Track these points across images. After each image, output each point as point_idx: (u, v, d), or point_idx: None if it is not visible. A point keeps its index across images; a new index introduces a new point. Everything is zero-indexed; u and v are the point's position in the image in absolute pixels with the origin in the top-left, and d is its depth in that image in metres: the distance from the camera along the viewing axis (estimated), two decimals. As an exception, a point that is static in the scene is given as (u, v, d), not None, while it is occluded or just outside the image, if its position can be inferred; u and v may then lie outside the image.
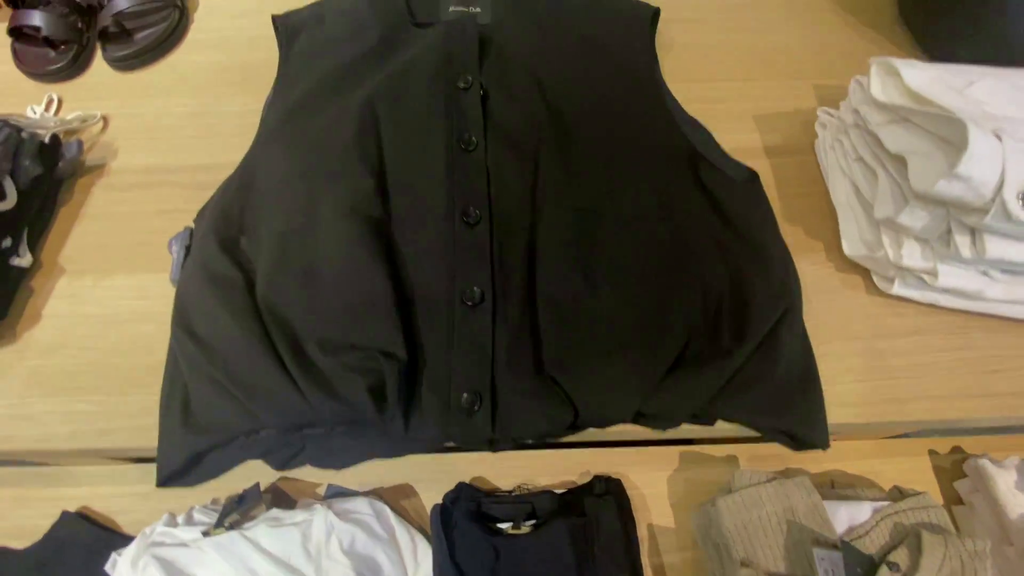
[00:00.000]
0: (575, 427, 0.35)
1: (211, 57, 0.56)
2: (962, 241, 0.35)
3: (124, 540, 0.58)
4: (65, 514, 0.53)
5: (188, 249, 0.41)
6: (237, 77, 0.55)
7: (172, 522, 0.51)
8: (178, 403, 0.36)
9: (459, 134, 0.43)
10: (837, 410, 0.37)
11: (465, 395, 0.34)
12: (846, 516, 0.51)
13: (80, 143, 0.48)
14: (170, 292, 0.42)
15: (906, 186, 0.36)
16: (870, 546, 0.46)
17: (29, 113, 0.52)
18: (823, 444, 0.34)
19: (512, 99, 0.46)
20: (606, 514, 0.50)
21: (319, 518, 0.52)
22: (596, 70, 0.48)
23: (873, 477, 0.56)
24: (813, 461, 0.56)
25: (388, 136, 0.44)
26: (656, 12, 0.52)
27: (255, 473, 0.57)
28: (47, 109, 0.52)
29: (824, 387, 0.37)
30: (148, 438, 0.37)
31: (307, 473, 0.58)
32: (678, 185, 0.41)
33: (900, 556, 0.44)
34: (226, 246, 0.39)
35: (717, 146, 0.45)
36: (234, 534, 0.51)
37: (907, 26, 0.56)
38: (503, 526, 0.52)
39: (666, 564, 0.52)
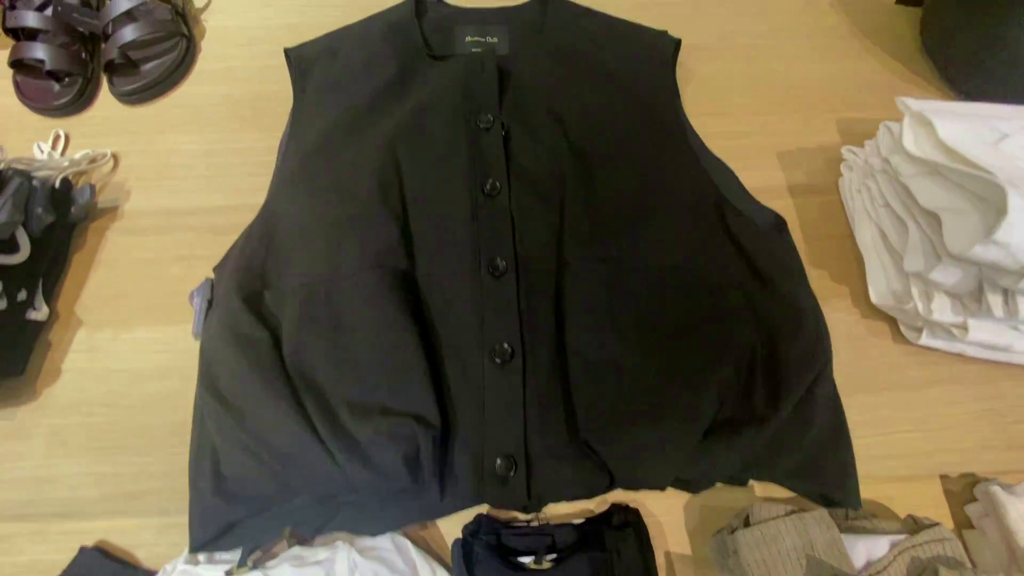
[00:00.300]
0: (610, 489, 0.35)
1: (221, 89, 0.55)
2: (994, 300, 0.35)
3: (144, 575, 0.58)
4: (83, 550, 0.53)
5: (210, 302, 0.40)
6: (248, 111, 0.53)
7: (193, 560, 0.51)
8: (208, 467, 0.35)
9: (482, 179, 0.43)
10: (864, 464, 0.38)
11: (499, 460, 0.34)
12: (864, 550, 0.52)
13: (92, 187, 0.46)
14: (193, 346, 0.42)
15: (938, 241, 0.36)
16: (889, 581, 0.47)
17: (36, 152, 0.50)
18: (855, 505, 0.34)
19: (534, 139, 0.45)
20: (626, 547, 0.51)
21: (342, 556, 0.52)
22: (618, 107, 0.47)
23: (885, 502, 0.56)
24: (828, 490, 0.56)
25: (410, 181, 0.43)
26: (677, 44, 0.51)
27: (274, 508, 0.57)
28: (54, 147, 0.51)
29: (852, 441, 0.37)
30: (180, 501, 0.37)
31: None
32: (705, 233, 0.40)
33: (918, 592, 0.45)
34: (250, 302, 0.38)
35: (742, 188, 0.45)
36: (257, 573, 0.51)
37: (929, 55, 0.56)
38: (524, 560, 0.52)
39: (684, 592, 0.53)
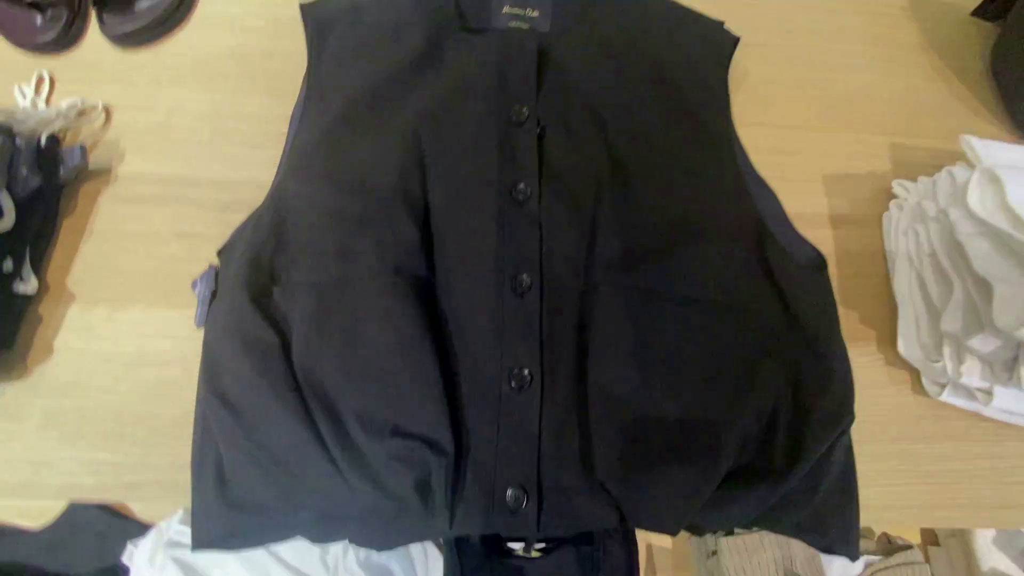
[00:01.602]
0: (619, 525, 0.35)
1: (227, 40, 0.49)
2: (1028, 374, 0.34)
3: (137, 527, 0.59)
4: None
5: (214, 293, 0.38)
6: (257, 70, 0.48)
7: (188, 520, 0.52)
8: (212, 469, 0.34)
9: (511, 181, 0.39)
10: (866, 514, 0.38)
11: (511, 491, 0.33)
12: (840, 568, 0.54)
13: (83, 149, 0.42)
14: (196, 334, 0.40)
15: (984, 309, 0.35)
16: (860, 601, 0.50)
17: (17, 95, 0.45)
18: (853, 557, 0.35)
19: (571, 140, 0.42)
20: (612, 542, 0.53)
21: (337, 533, 0.53)
22: (665, 111, 0.43)
23: (861, 512, 0.59)
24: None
25: (434, 176, 0.39)
26: (736, 42, 0.46)
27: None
28: (37, 91, 0.46)
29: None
30: (182, 495, 0.36)
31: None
32: (742, 265, 0.38)
33: (886, 612, 0.48)
34: (259, 301, 0.35)
35: (784, 216, 0.42)
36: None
37: (997, 82, 0.52)
38: (514, 546, 0.54)
39: (658, 583, 0.56)
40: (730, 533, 0.57)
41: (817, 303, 0.38)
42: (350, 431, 0.33)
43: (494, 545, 0.54)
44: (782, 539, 0.57)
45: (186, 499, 0.36)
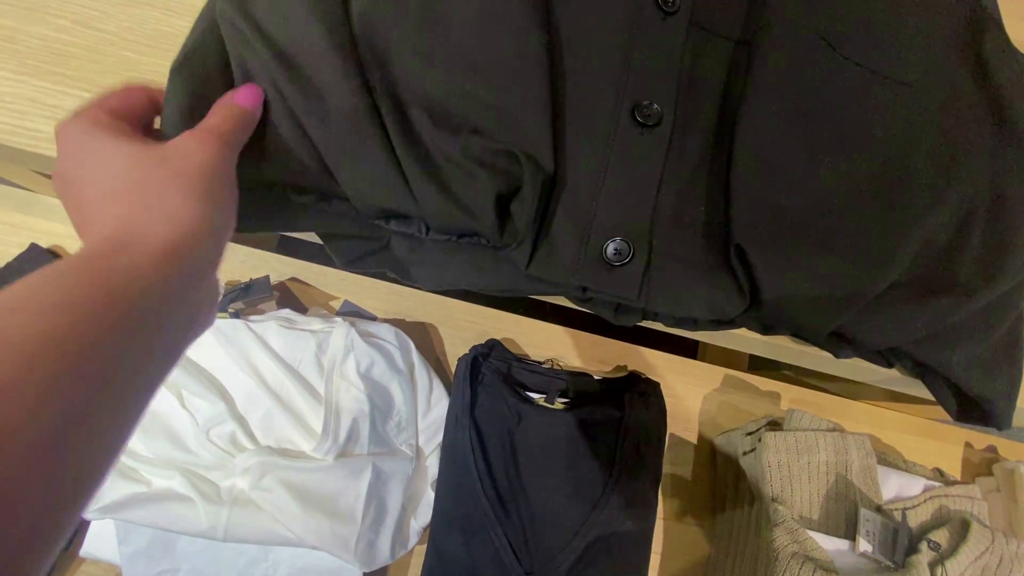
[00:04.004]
0: (732, 323, 0.27)
1: None
2: None
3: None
4: (34, 247, 0.44)
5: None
6: None
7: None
8: None
9: None
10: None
11: (613, 243, 0.25)
12: (896, 485, 0.48)
13: None
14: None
15: None
16: (912, 520, 0.45)
17: None
18: (1007, 424, 0.28)
19: None
20: (644, 415, 0.46)
21: (340, 332, 0.45)
22: None
23: (904, 452, 0.53)
24: (852, 420, 0.52)
25: None
26: None
27: (265, 266, 0.49)
28: None
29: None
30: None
31: (324, 282, 0.50)
32: (952, 50, 0.29)
33: (941, 536, 0.42)
34: None
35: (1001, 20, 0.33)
36: (238, 323, 0.44)
37: None
38: (533, 396, 0.47)
39: (676, 476, 0.50)
40: (776, 427, 0.50)
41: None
42: (414, 123, 0.24)
43: (511, 388, 0.47)
44: (840, 445, 0.50)
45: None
